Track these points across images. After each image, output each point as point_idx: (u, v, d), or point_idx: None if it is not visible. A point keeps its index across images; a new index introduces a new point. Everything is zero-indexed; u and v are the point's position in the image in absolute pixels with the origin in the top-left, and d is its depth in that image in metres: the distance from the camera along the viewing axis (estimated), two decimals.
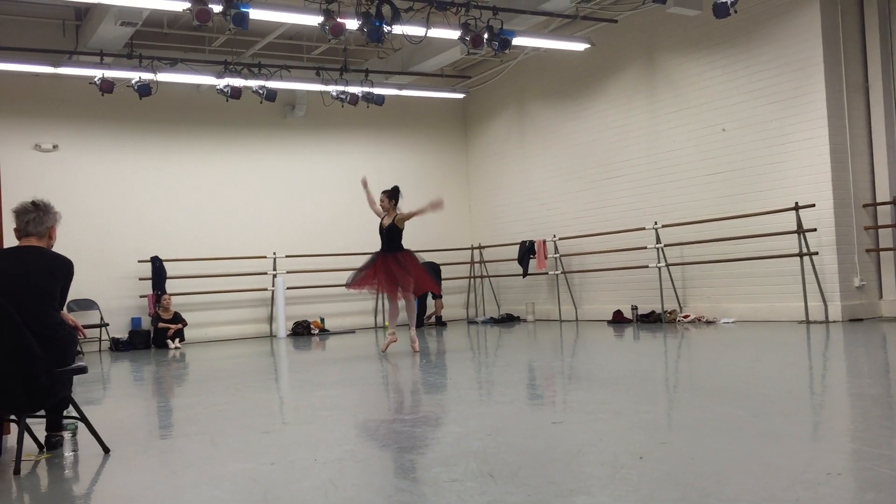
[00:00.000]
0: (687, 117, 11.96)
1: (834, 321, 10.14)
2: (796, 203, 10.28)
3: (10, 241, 4.41)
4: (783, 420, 4.32)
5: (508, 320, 14.80)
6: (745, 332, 9.70)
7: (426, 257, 14.82)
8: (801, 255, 10.26)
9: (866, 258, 10.58)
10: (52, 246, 4.44)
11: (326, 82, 12.84)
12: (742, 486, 3.04)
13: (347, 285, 9.37)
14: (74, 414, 4.44)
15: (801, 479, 3.07)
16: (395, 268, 9.02)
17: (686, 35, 11.92)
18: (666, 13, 11.37)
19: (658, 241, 11.99)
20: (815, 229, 10.22)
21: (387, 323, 15.02)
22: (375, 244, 14.85)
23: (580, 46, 12.22)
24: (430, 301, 14.53)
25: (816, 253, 10.22)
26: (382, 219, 9.29)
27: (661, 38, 12.33)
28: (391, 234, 9.17)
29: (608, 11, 12.29)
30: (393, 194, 9.29)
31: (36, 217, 4.35)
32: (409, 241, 15.04)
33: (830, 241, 10.30)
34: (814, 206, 10.22)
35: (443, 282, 14.75)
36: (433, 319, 14.68)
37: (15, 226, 4.37)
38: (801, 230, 10.22)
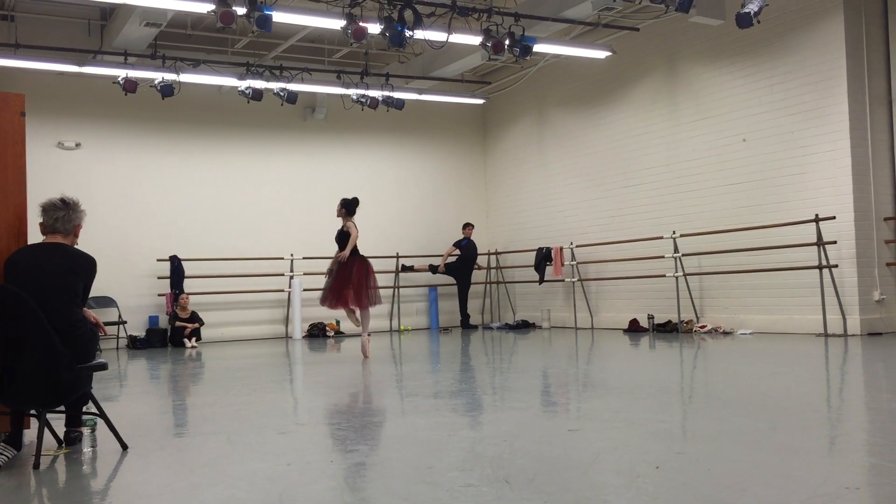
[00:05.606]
0: (707, 127, 11.92)
1: (852, 335, 10.06)
2: (816, 215, 10.22)
3: (35, 235, 4.44)
4: (801, 433, 4.29)
5: (524, 327, 14.78)
6: (763, 344, 9.64)
7: (440, 262, 15.04)
8: (820, 267, 10.19)
9: (886, 272, 10.49)
10: (75, 243, 4.50)
11: (347, 86, 12.91)
12: (759, 498, 3.03)
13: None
14: (94, 410, 4.48)
15: (818, 493, 3.06)
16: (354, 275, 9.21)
17: (708, 44, 11.88)
18: (688, 22, 11.33)
19: (676, 250, 11.95)
20: (835, 242, 10.16)
21: (402, 327, 15.14)
22: (390, 247, 15.06)
23: (601, 54, 12.20)
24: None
25: (836, 265, 10.15)
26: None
27: (682, 46, 12.30)
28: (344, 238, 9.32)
29: (630, 20, 12.27)
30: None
31: (65, 215, 4.40)
32: (425, 245, 15.25)
33: (850, 253, 10.23)
34: (834, 218, 10.16)
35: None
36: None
37: (41, 221, 4.42)
38: (820, 242, 10.16)
